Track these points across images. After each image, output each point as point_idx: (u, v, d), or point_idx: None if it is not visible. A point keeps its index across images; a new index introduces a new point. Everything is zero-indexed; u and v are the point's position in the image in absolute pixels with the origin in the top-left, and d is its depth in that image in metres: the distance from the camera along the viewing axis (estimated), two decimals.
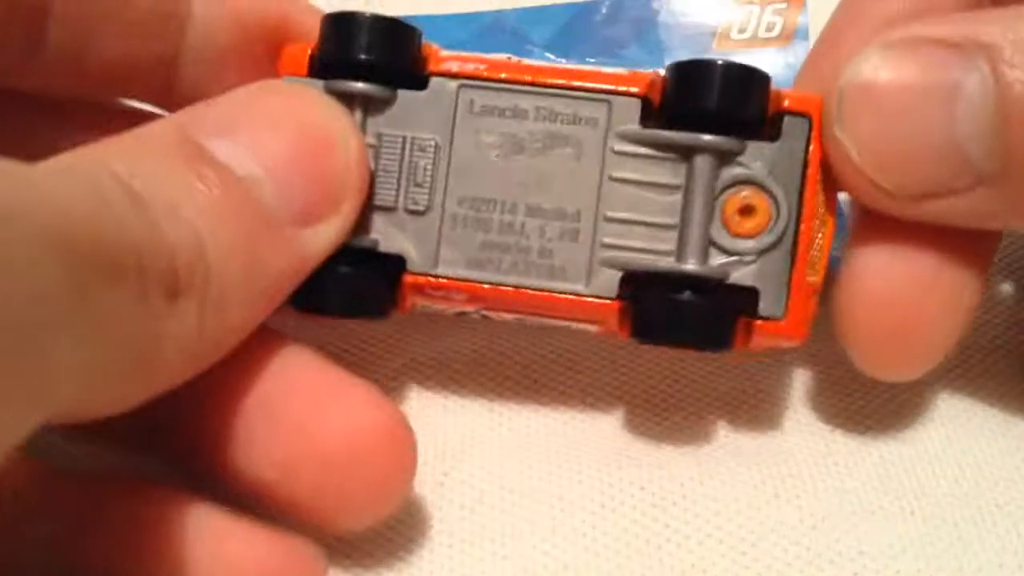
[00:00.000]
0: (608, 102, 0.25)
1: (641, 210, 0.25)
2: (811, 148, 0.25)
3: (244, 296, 0.21)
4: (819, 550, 0.25)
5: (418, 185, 0.25)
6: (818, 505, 0.26)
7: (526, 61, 0.26)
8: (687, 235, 0.25)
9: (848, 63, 0.24)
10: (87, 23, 0.26)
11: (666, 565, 0.25)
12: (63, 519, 0.22)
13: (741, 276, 0.25)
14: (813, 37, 0.31)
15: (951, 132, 0.22)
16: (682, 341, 0.25)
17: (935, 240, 0.24)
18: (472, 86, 0.25)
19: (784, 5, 0.37)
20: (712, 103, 0.24)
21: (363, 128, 0.25)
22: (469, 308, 0.26)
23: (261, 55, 0.27)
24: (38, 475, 0.23)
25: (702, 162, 0.24)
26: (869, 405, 0.29)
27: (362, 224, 0.25)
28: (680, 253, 0.25)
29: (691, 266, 0.24)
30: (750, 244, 0.25)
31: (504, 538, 0.26)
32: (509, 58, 0.26)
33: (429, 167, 0.25)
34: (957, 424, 0.29)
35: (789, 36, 0.37)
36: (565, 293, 0.25)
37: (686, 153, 0.25)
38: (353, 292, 0.25)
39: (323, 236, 0.23)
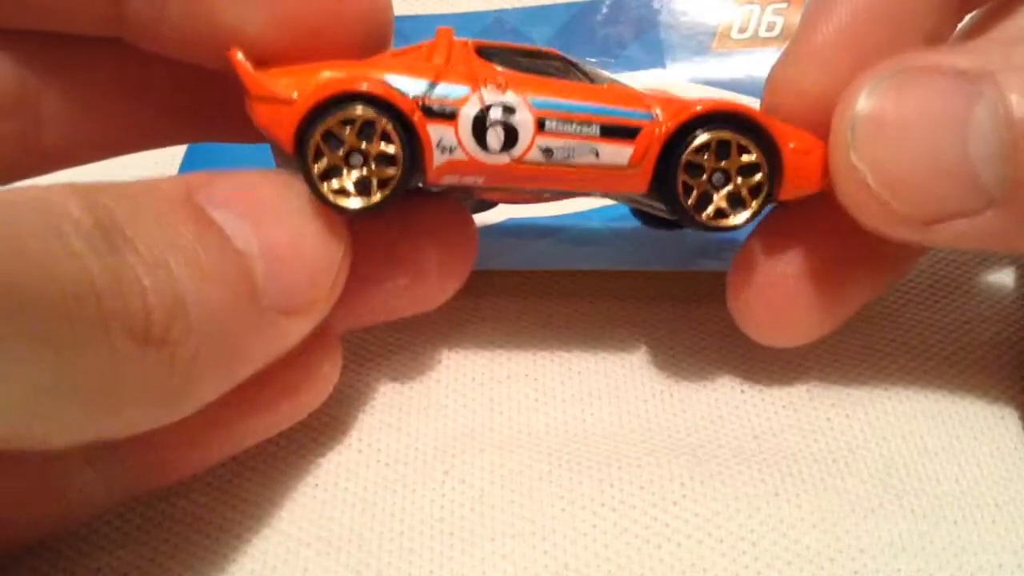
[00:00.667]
0: None
1: None
2: None
3: (218, 364, 0.22)
4: (819, 548, 0.25)
5: None
6: (818, 504, 0.26)
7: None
8: None
9: (856, 90, 0.24)
10: None
11: (666, 565, 0.25)
12: None
13: None
14: None
15: (963, 157, 0.23)
16: None
17: (818, 245, 0.27)
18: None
19: (784, 5, 0.37)
20: None
21: None
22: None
23: None
24: None
25: None
26: (869, 404, 0.29)
27: None
28: None
29: None
30: None
31: (504, 538, 0.26)
32: None
33: None
34: (957, 423, 0.29)
35: (790, 36, 0.37)
36: None
37: None
38: None
39: (296, 329, 0.24)
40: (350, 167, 0.24)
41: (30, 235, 0.18)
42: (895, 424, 0.29)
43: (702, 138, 0.25)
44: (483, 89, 0.25)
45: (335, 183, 0.24)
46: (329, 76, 0.24)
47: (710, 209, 0.26)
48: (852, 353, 0.31)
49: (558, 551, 0.25)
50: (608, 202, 0.31)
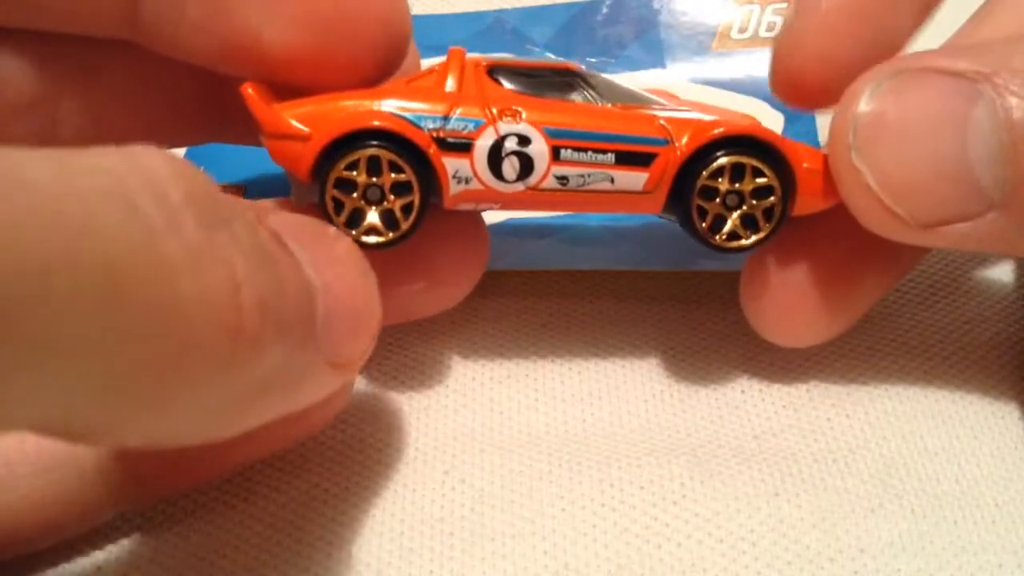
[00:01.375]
0: None
1: None
2: None
3: (272, 394, 0.19)
4: (819, 548, 0.25)
5: None
6: (818, 503, 0.26)
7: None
8: None
9: (857, 92, 0.24)
10: None
11: (666, 565, 0.25)
12: None
13: None
14: None
15: (963, 159, 0.23)
16: None
17: (829, 244, 0.27)
18: None
19: (784, 5, 0.37)
20: None
21: None
22: None
23: None
24: None
25: None
26: (869, 404, 0.29)
27: None
28: None
29: None
30: None
31: (504, 538, 0.26)
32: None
33: None
34: (957, 423, 0.29)
35: None
36: None
37: None
38: None
39: (331, 384, 0.22)
40: (370, 203, 0.25)
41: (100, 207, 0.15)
42: (895, 424, 0.29)
43: (719, 163, 0.25)
44: (498, 121, 0.25)
45: (363, 225, 0.25)
46: (344, 112, 0.24)
47: (724, 232, 0.26)
48: (852, 353, 0.31)
49: (558, 551, 0.25)
50: None
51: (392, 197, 0.25)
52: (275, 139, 0.25)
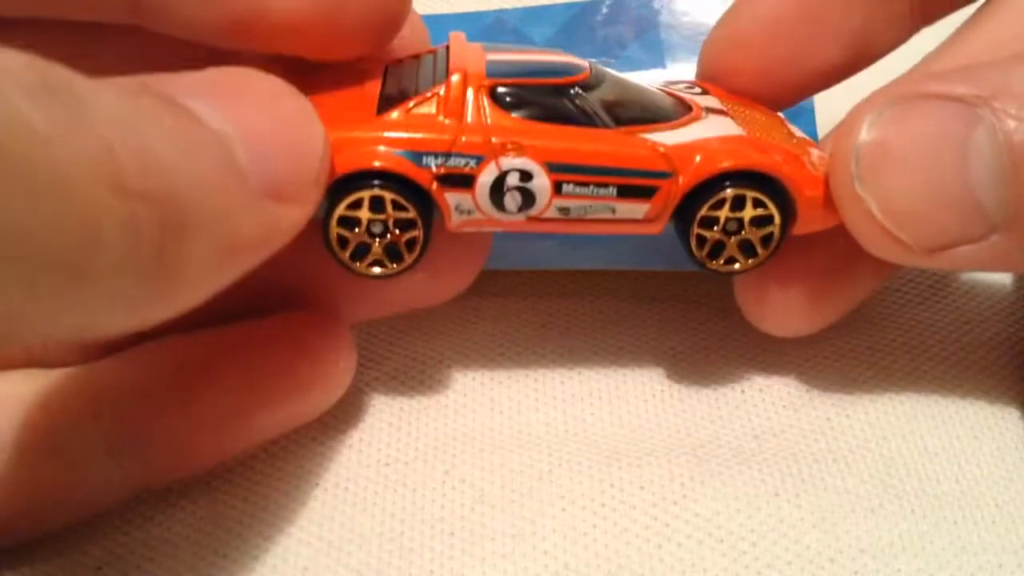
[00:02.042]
0: None
1: None
2: None
3: (209, 245, 0.20)
4: (819, 549, 0.25)
5: None
6: (818, 503, 0.26)
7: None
8: None
9: (859, 121, 0.24)
10: None
11: (666, 565, 0.25)
12: None
13: None
14: None
15: (965, 183, 0.23)
16: None
17: (824, 236, 0.27)
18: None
19: None
20: None
21: None
22: None
23: None
24: None
25: None
26: (869, 404, 0.29)
27: None
28: None
29: None
30: None
31: (504, 538, 0.26)
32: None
33: None
34: (957, 423, 0.29)
35: None
36: None
37: None
38: None
39: (289, 217, 0.22)
40: (373, 237, 0.25)
41: None
42: (895, 424, 0.29)
43: (722, 195, 0.25)
44: (500, 157, 0.24)
45: (368, 259, 0.25)
46: (346, 150, 0.24)
47: (721, 258, 0.26)
48: (852, 353, 0.31)
49: (558, 551, 0.25)
50: None
51: (396, 231, 0.25)
52: None
